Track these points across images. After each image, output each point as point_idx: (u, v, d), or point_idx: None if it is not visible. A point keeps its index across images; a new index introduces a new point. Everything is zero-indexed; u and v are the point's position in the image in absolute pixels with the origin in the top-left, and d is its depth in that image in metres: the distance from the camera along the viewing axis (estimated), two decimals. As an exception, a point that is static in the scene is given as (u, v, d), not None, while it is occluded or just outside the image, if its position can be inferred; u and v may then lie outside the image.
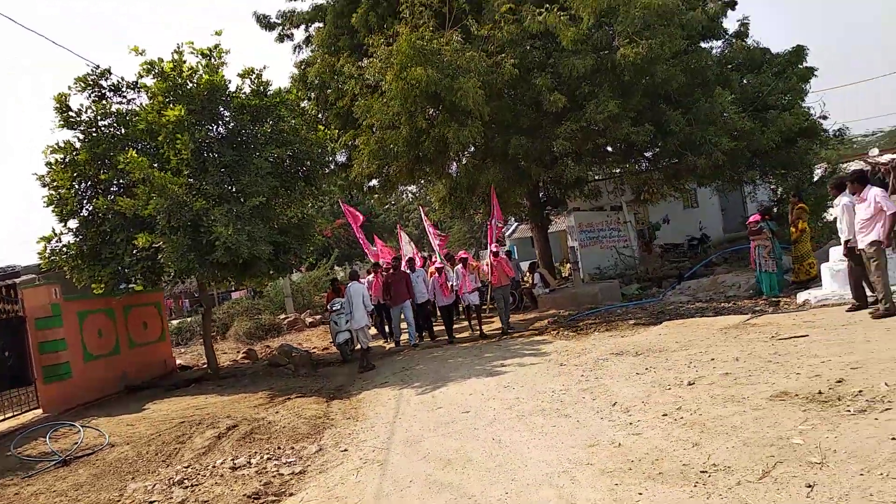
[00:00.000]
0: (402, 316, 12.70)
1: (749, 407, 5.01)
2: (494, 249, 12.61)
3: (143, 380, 11.26)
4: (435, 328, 13.52)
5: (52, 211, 10.04)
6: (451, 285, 12.50)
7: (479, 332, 12.18)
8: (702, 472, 3.97)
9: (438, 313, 13.46)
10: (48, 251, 10.04)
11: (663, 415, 5.24)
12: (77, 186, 10.17)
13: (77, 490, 5.84)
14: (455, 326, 12.99)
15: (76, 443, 7.25)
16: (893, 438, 3.86)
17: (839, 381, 5.17)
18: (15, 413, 9.07)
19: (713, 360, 6.84)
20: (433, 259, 14.10)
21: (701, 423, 4.86)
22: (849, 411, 4.47)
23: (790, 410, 4.75)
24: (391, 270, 12.97)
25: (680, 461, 4.21)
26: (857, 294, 8.33)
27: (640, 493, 3.84)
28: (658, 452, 4.44)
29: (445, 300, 12.69)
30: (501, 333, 11.92)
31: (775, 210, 11.46)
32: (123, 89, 10.81)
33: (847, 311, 8.29)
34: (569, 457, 4.71)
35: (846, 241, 8.10)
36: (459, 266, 12.57)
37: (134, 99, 10.87)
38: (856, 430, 4.11)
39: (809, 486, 3.48)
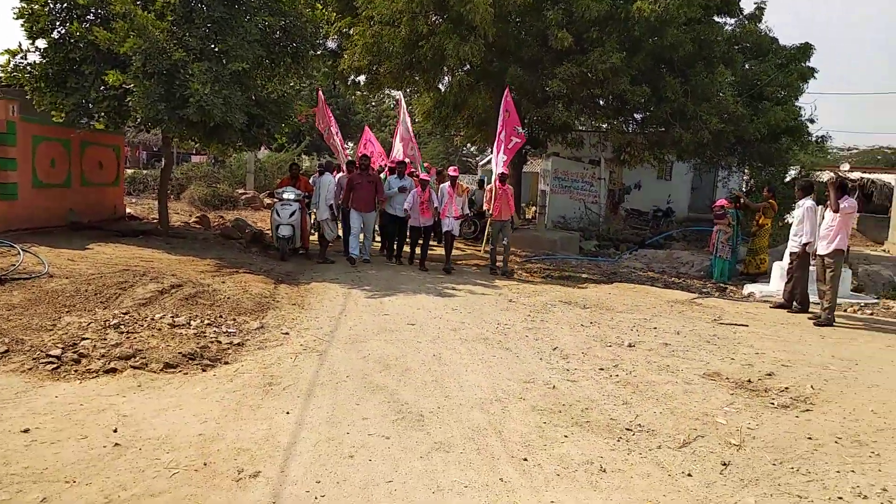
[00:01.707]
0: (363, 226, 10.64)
1: (681, 379, 5.22)
2: (503, 172, 10.70)
3: (91, 220, 10.93)
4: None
5: (22, 25, 9.36)
6: (435, 206, 10.59)
7: (447, 267, 10.43)
8: (627, 429, 4.14)
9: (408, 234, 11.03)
10: (11, 65, 9.47)
11: (600, 369, 5.41)
12: (52, 5, 9.42)
13: (10, 310, 5.72)
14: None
15: (13, 265, 7.05)
16: (809, 438, 4.10)
17: (769, 375, 5.43)
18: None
19: (656, 328, 7.07)
20: (409, 169, 12.04)
21: (634, 384, 5.04)
22: (773, 404, 4.71)
23: (719, 391, 4.97)
24: (359, 170, 10.61)
25: (608, 415, 4.38)
26: (788, 296, 8.78)
27: (566, 436, 3.99)
28: (589, 402, 4.60)
29: (424, 220, 10.51)
30: (502, 275, 10.40)
31: (742, 201, 11.74)
32: None
33: (771, 307, 8.89)
34: (503, 388, 4.84)
35: (806, 244, 8.32)
36: (447, 184, 10.61)
37: None
38: (776, 423, 4.34)
39: (724, 465, 3.68)
